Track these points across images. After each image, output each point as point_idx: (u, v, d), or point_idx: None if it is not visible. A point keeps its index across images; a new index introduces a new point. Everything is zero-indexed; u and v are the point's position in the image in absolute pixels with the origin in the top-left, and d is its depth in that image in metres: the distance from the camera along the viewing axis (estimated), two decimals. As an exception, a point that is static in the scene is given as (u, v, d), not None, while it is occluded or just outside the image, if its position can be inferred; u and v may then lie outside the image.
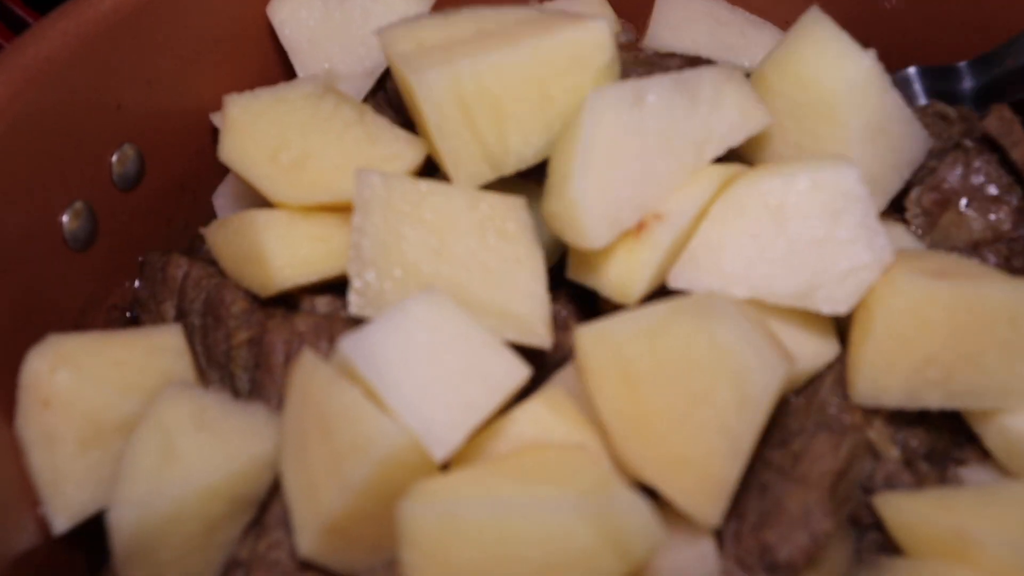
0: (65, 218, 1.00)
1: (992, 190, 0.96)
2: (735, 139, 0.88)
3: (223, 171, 1.17)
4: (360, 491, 0.73)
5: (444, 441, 0.73)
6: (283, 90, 1.05)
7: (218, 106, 1.14)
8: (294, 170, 0.97)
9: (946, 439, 0.87)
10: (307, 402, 0.77)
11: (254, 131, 1.00)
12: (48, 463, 0.88)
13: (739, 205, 0.86)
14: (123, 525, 0.78)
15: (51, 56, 0.96)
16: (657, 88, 0.85)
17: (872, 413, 0.84)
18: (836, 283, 0.82)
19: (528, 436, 0.78)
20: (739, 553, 0.77)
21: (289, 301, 1.00)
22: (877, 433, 0.84)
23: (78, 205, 1.02)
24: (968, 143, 0.98)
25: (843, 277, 0.82)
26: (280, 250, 0.95)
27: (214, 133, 1.16)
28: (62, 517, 0.87)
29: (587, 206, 0.81)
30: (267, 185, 0.97)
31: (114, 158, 1.05)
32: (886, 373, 0.82)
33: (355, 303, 0.85)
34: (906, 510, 0.79)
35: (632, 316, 0.77)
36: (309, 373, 0.77)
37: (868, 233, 0.82)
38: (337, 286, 0.97)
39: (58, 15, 0.98)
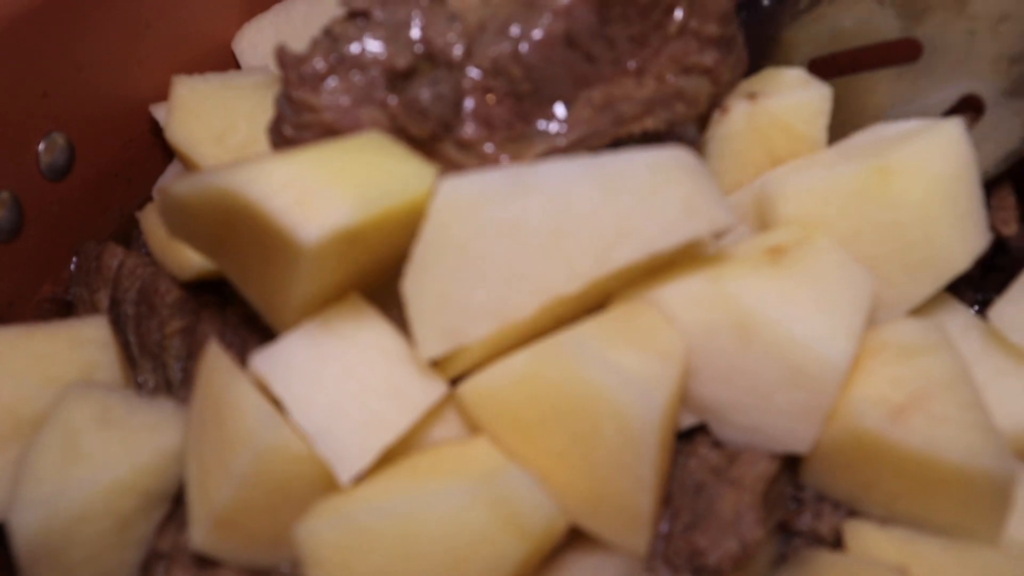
0: (-12, 208, 0.98)
1: None
2: (670, 241, 0.72)
3: (160, 159, 1.15)
4: (244, 483, 0.70)
5: (351, 465, 0.71)
6: (231, 77, 1.06)
7: (154, 94, 1.13)
8: (239, 153, 0.97)
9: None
10: (207, 393, 0.74)
11: (201, 113, 1.00)
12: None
13: None
14: (26, 527, 0.75)
15: (-31, 43, 0.94)
16: (551, 173, 0.73)
17: None
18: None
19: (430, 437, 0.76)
20: (668, 553, 0.76)
21: (224, 292, 0.98)
22: None
23: (3, 195, 0.99)
24: None
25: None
26: None
27: (151, 121, 1.13)
28: None
29: (415, 311, 0.73)
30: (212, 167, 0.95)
31: (41, 147, 1.02)
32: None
33: None
34: (870, 541, 0.77)
35: (508, 364, 0.72)
36: (211, 365, 0.75)
37: None
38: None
39: (-23, -1, 0.96)
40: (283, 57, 0.80)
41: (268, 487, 0.71)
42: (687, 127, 0.94)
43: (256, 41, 1.16)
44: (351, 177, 0.69)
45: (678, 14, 0.88)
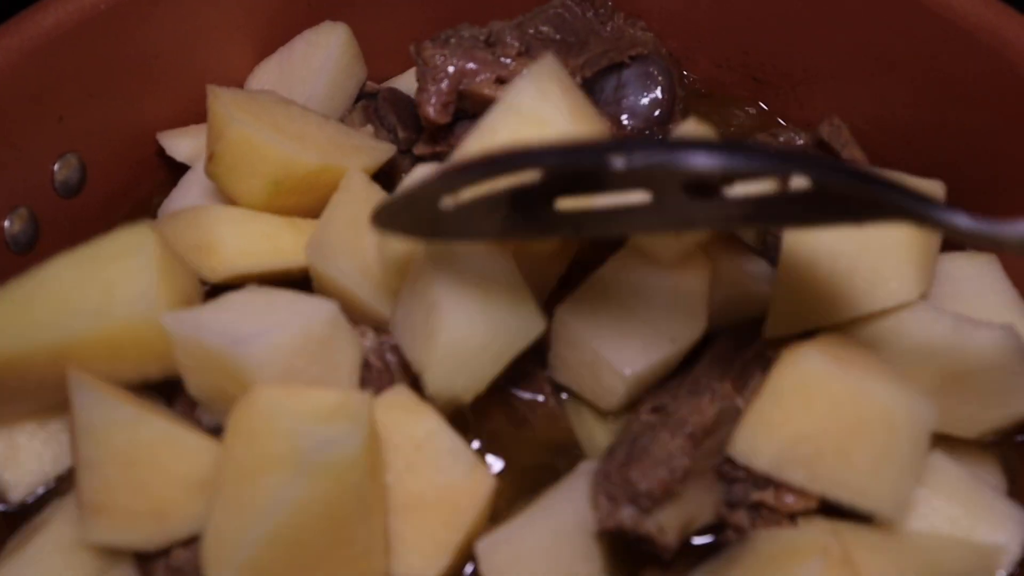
0: (7, 222, 1.07)
1: None
2: None
3: (164, 179, 1.24)
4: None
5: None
6: (252, 93, 1.12)
7: (161, 120, 1.22)
8: (298, 139, 1.05)
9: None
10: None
11: (251, 109, 1.05)
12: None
13: None
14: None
15: (-6, 70, 1.03)
16: None
17: (742, 387, 0.91)
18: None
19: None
20: (608, 488, 0.85)
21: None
22: (745, 402, 0.90)
23: (21, 210, 1.08)
24: (811, 150, 1.09)
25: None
26: (232, 240, 1.04)
27: (155, 144, 1.22)
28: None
29: None
30: (282, 147, 1.03)
31: (56, 166, 1.12)
32: (762, 437, 0.85)
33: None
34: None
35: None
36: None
37: None
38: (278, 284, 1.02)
39: (1, 32, 1.05)
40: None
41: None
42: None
43: (264, 81, 1.26)
44: None
45: None
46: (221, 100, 1.04)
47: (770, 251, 1.06)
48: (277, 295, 0.90)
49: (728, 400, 0.89)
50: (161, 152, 1.22)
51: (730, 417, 0.88)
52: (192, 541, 0.82)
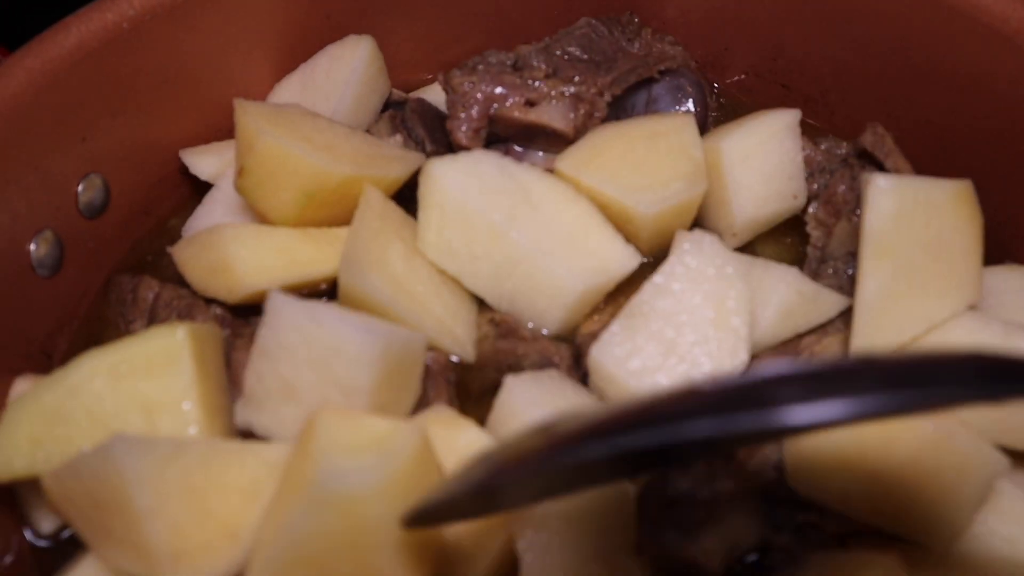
0: (33, 246, 1.05)
1: None
2: None
3: (186, 197, 1.22)
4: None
5: None
6: (279, 106, 1.11)
7: (182, 137, 1.21)
8: (329, 151, 1.04)
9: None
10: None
11: (280, 122, 1.05)
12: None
13: None
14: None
15: (17, 93, 1.01)
16: None
17: None
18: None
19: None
20: (649, 514, 0.83)
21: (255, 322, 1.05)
22: None
23: (46, 233, 1.07)
24: (853, 160, 1.06)
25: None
26: (246, 258, 1.02)
27: (178, 161, 1.21)
28: None
29: None
30: (312, 158, 1.01)
31: (80, 187, 1.10)
32: (827, 471, 0.84)
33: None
34: None
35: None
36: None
37: None
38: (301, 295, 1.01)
39: (24, 52, 1.04)
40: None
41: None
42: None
43: (286, 97, 1.24)
44: None
45: None
46: (250, 114, 1.03)
47: (823, 275, 1.04)
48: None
49: None
50: (183, 170, 1.21)
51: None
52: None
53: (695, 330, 0.91)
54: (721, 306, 0.91)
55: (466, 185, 1.00)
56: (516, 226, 0.99)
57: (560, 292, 1.00)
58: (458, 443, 0.86)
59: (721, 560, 0.82)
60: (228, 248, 1.02)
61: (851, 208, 1.04)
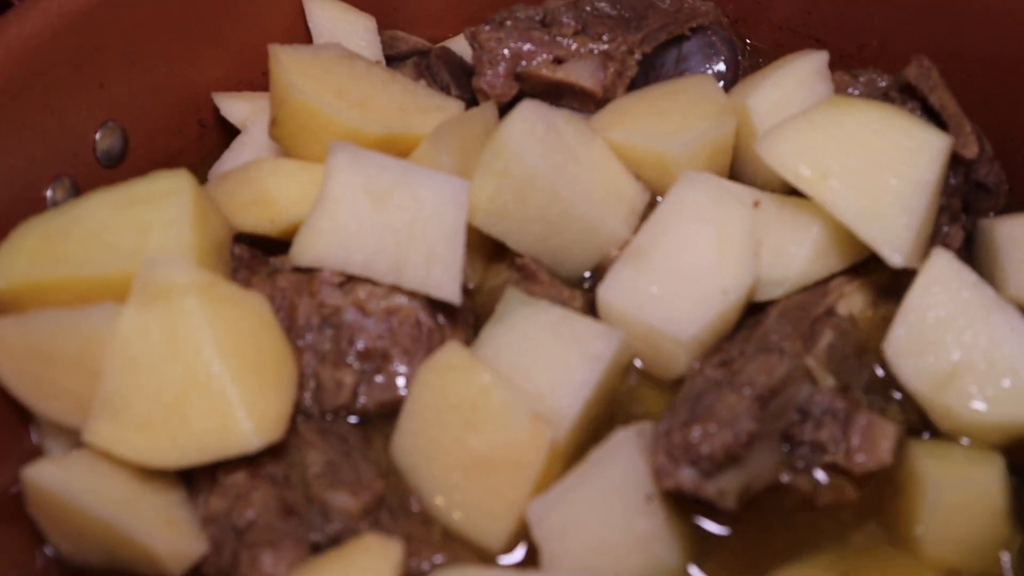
0: (49, 192, 1.04)
1: None
2: None
3: (206, 149, 1.21)
4: None
5: None
6: (316, 49, 1.10)
7: (203, 85, 1.19)
8: (360, 107, 1.03)
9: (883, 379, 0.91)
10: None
11: (312, 73, 1.04)
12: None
13: None
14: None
15: (34, 34, 1.00)
16: None
17: (811, 345, 0.87)
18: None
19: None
20: (668, 447, 0.81)
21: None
22: (815, 361, 0.86)
23: (63, 180, 1.05)
24: (894, 94, 1.02)
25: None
26: (288, 189, 1.03)
27: (198, 110, 1.20)
28: None
29: None
30: (343, 116, 1.01)
31: (98, 135, 1.09)
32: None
33: None
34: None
35: None
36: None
37: None
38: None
39: (42, -4, 1.03)
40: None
41: None
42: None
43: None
44: None
45: None
46: (282, 65, 1.02)
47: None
48: None
49: (796, 359, 0.85)
50: (203, 121, 1.19)
51: (798, 377, 0.84)
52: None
53: (696, 258, 0.91)
54: (722, 231, 0.92)
55: (531, 149, 0.96)
56: (569, 185, 0.98)
57: (609, 243, 1.01)
58: (470, 388, 0.85)
59: (736, 500, 0.81)
60: (267, 181, 1.03)
61: None
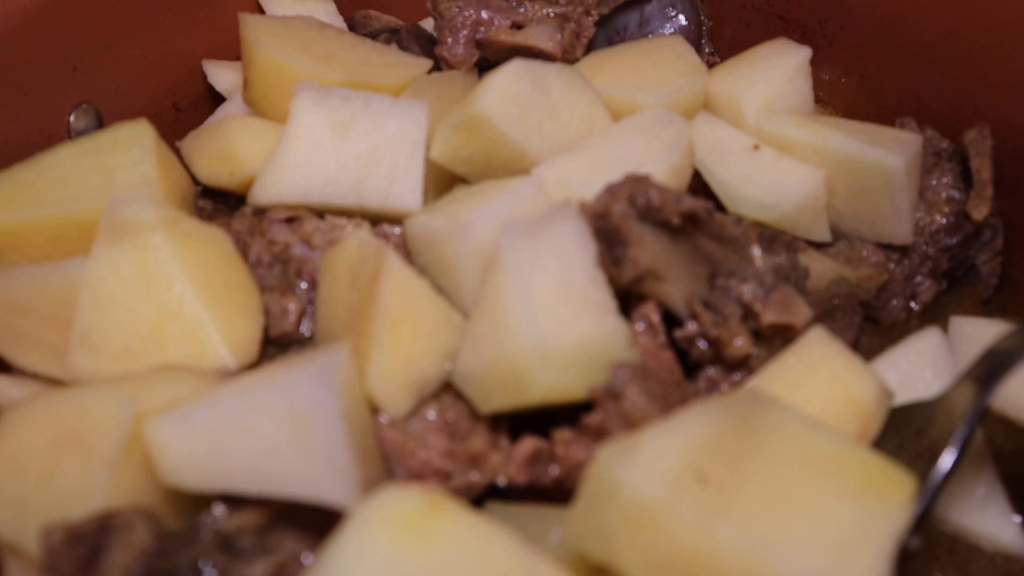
0: (25, 173, 1.05)
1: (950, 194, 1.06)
2: None
3: (181, 130, 1.22)
4: None
5: None
6: (285, 19, 1.14)
7: (176, 69, 1.21)
8: (326, 61, 1.06)
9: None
10: None
11: (280, 33, 1.07)
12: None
13: None
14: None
15: (5, 16, 1.02)
16: None
17: (769, 252, 0.91)
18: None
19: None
20: (615, 186, 0.85)
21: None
22: (764, 260, 0.90)
23: (39, 162, 1.07)
24: (945, 155, 1.08)
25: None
26: (250, 144, 1.05)
27: (172, 93, 1.22)
28: None
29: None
30: (309, 68, 1.04)
31: (72, 117, 1.11)
32: None
33: None
34: None
35: None
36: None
37: None
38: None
39: (13, -21, 1.04)
40: None
41: None
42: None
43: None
44: None
45: None
46: (250, 26, 1.06)
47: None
48: None
49: (750, 245, 0.89)
50: (178, 104, 1.21)
51: (743, 256, 0.88)
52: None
53: (631, 151, 0.96)
54: (659, 136, 0.97)
55: (505, 113, 0.95)
56: (542, 143, 0.98)
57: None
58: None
59: (635, 273, 0.83)
60: (233, 136, 1.06)
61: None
